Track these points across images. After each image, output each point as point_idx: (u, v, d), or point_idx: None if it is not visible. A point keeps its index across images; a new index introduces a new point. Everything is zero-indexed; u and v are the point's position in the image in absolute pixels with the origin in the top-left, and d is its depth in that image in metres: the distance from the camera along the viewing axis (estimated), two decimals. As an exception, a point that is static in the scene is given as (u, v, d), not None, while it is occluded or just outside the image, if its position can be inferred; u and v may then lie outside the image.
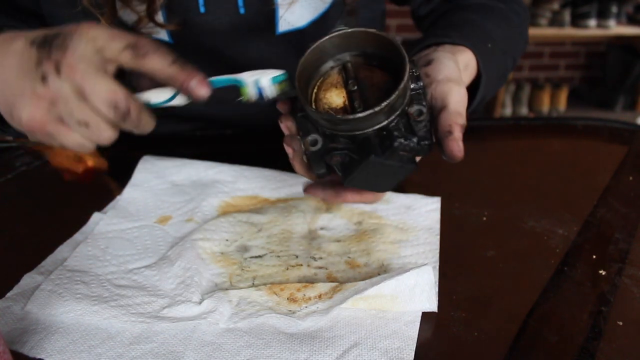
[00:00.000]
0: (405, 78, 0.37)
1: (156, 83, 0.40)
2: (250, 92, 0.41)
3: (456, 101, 0.43)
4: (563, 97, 3.10)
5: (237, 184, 0.58)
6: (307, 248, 0.48)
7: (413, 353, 0.37)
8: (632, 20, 2.95)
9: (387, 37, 0.40)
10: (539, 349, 0.38)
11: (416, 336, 0.38)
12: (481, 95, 0.57)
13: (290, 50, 0.68)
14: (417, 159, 0.44)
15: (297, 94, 0.40)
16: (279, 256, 0.47)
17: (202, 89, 0.38)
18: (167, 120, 0.75)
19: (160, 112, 0.41)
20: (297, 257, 0.47)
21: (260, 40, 0.65)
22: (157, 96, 0.40)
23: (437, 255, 0.47)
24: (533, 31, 2.75)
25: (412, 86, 0.40)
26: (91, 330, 0.38)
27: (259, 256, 0.47)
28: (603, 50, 3.23)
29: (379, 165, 0.39)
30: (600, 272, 0.46)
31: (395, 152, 0.38)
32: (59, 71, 0.37)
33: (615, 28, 2.85)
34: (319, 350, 0.37)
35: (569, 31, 2.82)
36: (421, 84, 0.41)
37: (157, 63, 0.38)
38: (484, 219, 0.54)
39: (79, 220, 0.51)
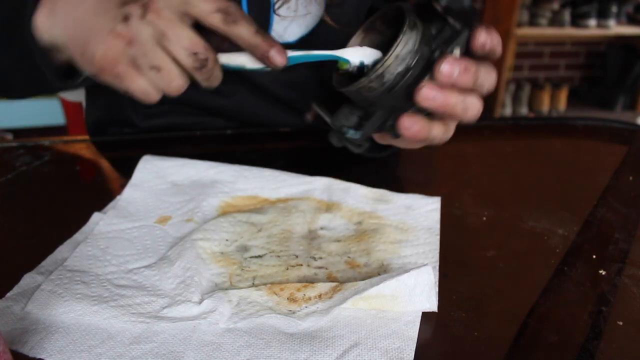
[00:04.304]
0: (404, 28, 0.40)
1: (222, 45, 0.42)
2: (352, 66, 0.43)
3: None
4: (563, 97, 3.10)
5: (237, 184, 0.58)
6: (307, 248, 0.48)
7: (413, 353, 0.37)
8: (632, 20, 2.95)
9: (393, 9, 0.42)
10: (539, 349, 0.38)
11: (416, 336, 0.38)
12: None
13: None
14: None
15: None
16: (279, 256, 0.47)
17: (279, 58, 0.40)
18: (167, 112, 0.76)
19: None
20: (297, 257, 0.47)
21: None
22: (231, 59, 0.42)
23: (437, 255, 0.47)
24: (533, 31, 2.76)
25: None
26: (91, 330, 0.38)
27: (259, 256, 0.47)
28: (603, 50, 3.23)
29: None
30: (600, 272, 0.46)
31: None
32: (144, 16, 0.38)
33: (615, 28, 2.85)
34: (319, 350, 0.37)
35: (569, 31, 2.82)
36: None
37: (244, 30, 0.39)
38: (484, 219, 0.54)
39: (79, 220, 0.51)
